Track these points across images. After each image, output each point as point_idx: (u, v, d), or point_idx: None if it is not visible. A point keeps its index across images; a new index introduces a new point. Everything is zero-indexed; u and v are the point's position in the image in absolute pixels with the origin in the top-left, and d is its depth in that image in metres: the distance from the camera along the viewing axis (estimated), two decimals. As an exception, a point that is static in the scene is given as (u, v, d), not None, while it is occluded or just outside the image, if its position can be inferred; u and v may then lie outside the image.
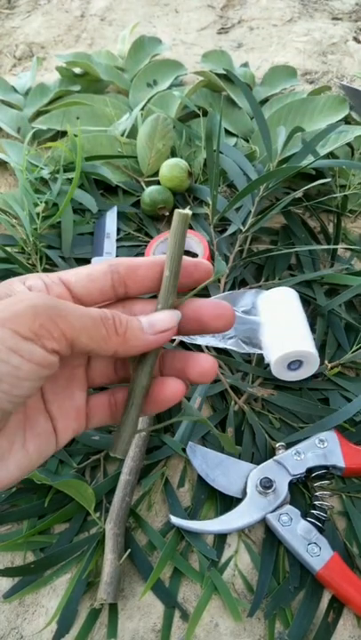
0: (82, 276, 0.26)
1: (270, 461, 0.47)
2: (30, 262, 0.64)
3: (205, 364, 0.27)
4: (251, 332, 0.55)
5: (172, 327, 0.26)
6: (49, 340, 0.22)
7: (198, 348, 0.57)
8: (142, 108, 0.80)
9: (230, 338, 0.55)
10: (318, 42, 1.04)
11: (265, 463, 0.47)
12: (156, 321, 0.26)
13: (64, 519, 0.47)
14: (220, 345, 0.55)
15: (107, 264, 0.27)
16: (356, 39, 1.05)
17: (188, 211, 0.27)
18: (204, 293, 0.60)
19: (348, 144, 0.76)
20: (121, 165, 0.75)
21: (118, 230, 0.69)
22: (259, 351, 0.54)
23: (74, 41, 1.07)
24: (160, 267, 0.27)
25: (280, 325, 0.53)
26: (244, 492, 0.46)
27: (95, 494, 0.47)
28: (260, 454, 0.50)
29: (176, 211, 0.27)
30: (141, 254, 0.66)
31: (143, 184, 0.73)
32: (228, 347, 0.55)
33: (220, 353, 0.57)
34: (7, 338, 0.21)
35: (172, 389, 0.27)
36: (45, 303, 0.23)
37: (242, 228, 0.66)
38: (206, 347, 0.56)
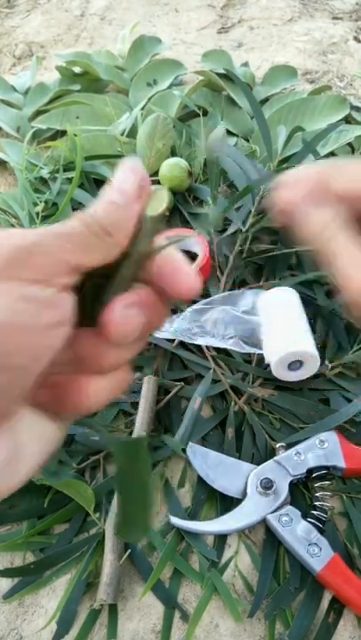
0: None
1: (271, 462, 0.47)
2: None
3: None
4: (251, 331, 0.55)
5: (142, 176, 0.23)
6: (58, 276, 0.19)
7: (198, 347, 0.57)
8: (142, 108, 0.80)
9: (230, 338, 0.55)
10: (319, 41, 1.04)
11: (265, 464, 0.47)
12: (123, 184, 0.22)
13: (64, 519, 0.47)
14: (221, 345, 0.55)
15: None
16: (356, 39, 1.05)
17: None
18: (205, 293, 0.60)
19: (349, 144, 0.76)
20: (121, 165, 0.75)
21: (118, 230, 0.69)
22: (259, 351, 0.54)
23: (73, 40, 1.07)
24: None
25: (280, 326, 0.53)
26: (245, 493, 0.46)
27: (95, 495, 0.47)
28: (261, 455, 0.50)
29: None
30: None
31: (143, 184, 0.73)
32: (228, 347, 0.54)
33: (220, 353, 0.57)
34: (14, 287, 0.18)
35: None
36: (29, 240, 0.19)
37: (242, 227, 0.66)
38: (206, 346, 0.56)
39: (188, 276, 0.23)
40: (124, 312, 0.21)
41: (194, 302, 0.58)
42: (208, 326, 0.55)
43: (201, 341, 0.55)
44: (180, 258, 0.24)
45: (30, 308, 0.18)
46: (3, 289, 0.18)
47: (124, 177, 0.23)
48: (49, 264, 0.19)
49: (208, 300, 0.58)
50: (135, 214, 0.22)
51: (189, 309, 0.57)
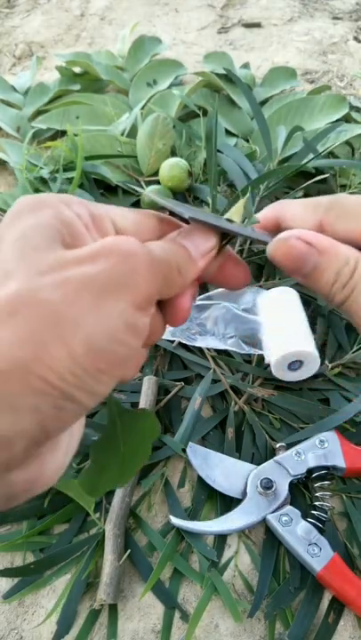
0: (129, 221, 0.23)
1: (271, 462, 0.47)
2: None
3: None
4: (251, 331, 0.55)
5: (214, 244, 0.24)
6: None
7: (198, 347, 0.57)
8: (142, 108, 0.80)
9: (230, 337, 0.55)
10: (319, 41, 1.04)
11: (265, 464, 0.47)
12: (200, 242, 0.24)
13: (64, 520, 0.47)
14: (221, 346, 0.55)
15: (155, 217, 0.25)
16: (356, 39, 1.04)
17: None
18: (205, 292, 0.60)
19: (349, 143, 0.76)
20: (121, 165, 0.75)
21: (118, 230, 0.69)
22: (259, 352, 0.54)
23: (74, 40, 1.07)
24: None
25: (281, 325, 0.53)
26: (245, 493, 0.46)
27: (95, 495, 0.47)
28: (261, 455, 0.50)
29: None
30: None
31: (143, 184, 0.73)
32: (228, 347, 0.54)
33: (220, 353, 0.57)
34: (126, 311, 0.18)
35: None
36: (160, 258, 0.20)
37: (242, 227, 0.65)
38: (206, 347, 0.56)
39: (243, 268, 0.26)
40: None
41: (198, 296, 0.58)
42: (208, 324, 0.55)
43: (201, 342, 0.55)
44: (235, 254, 0.26)
45: (130, 339, 0.18)
46: (114, 309, 0.18)
47: (205, 238, 0.24)
48: (153, 291, 0.19)
49: (207, 294, 0.58)
50: (199, 269, 0.23)
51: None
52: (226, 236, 0.25)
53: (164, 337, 0.56)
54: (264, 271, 0.63)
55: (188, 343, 0.55)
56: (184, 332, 0.55)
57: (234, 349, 0.54)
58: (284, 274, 0.63)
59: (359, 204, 0.23)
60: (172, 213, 0.26)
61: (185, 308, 0.24)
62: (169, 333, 0.56)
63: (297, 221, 0.24)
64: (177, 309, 0.23)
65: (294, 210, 0.25)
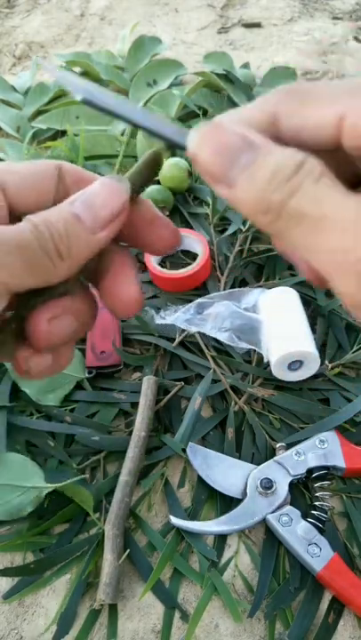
0: (22, 178, 0.21)
1: (271, 462, 0.47)
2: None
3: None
4: (247, 327, 0.54)
5: (120, 208, 0.20)
6: None
7: (198, 347, 0.57)
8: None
9: (226, 331, 0.55)
10: (319, 41, 1.04)
11: (265, 464, 0.47)
12: (100, 207, 0.19)
13: (64, 520, 0.47)
14: (213, 334, 0.55)
15: (52, 166, 0.21)
16: (356, 39, 1.05)
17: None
18: (205, 292, 0.60)
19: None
20: (121, 165, 0.75)
21: (118, 230, 0.69)
22: (251, 347, 0.54)
23: (73, 40, 1.07)
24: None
25: (281, 325, 0.53)
26: (245, 493, 0.46)
27: (95, 495, 0.47)
28: (261, 455, 0.50)
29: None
30: (141, 254, 0.66)
31: (143, 184, 0.73)
32: (221, 338, 0.54)
33: (220, 353, 0.57)
34: None
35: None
36: (23, 241, 0.18)
37: (242, 227, 0.66)
38: (206, 346, 0.56)
39: (168, 227, 0.22)
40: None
41: (198, 297, 0.58)
42: (209, 320, 0.55)
43: (194, 329, 0.55)
44: (155, 210, 0.22)
45: None
46: None
47: (103, 195, 0.19)
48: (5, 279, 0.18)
49: (212, 295, 0.58)
50: (98, 245, 0.19)
51: (194, 302, 0.57)
52: (140, 188, 0.21)
53: (164, 322, 0.56)
54: (264, 271, 0.63)
55: (182, 327, 0.55)
56: (183, 322, 0.55)
57: (226, 342, 0.54)
58: (284, 274, 0.63)
59: (330, 86, 0.18)
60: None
61: (127, 295, 0.21)
62: (171, 320, 0.56)
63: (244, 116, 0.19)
64: (117, 295, 0.21)
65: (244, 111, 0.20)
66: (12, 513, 0.45)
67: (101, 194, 0.20)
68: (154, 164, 0.21)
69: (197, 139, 0.18)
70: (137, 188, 0.21)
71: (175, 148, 0.19)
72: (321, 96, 0.18)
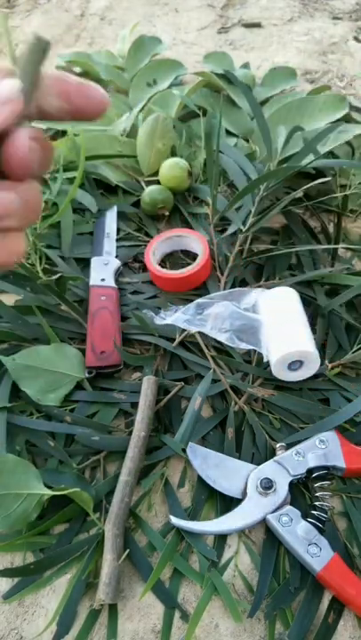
0: None
1: (271, 462, 0.47)
2: (30, 262, 0.64)
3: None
4: (246, 328, 0.54)
5: (15, 94, 0.22)
6: None
7: (198, 347, 0.57)
8: (142, 108, 0.80)
9: (226, 331, 0.55)
10: (319, 41, 1.04)
11: (265, 464, 0.47)
12: None
13: (64, 520, 0.47)
14: (213, 335, 0.55)
15: None
16: (356, 39, 1.04)
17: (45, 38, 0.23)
18: (205, 292, 0.60)
19: (349, 143, 0.76)
20: (121, 165, 0.75)
21: (118, 230, 0.69)
22: (251, 347, 0.54)
23: (74, 40, 1.07)
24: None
25: (281, 325, 0.53)
26: (245, 493, 0.46)
27: (95, 495, 0.47)
28: (261, 455, 0.50)
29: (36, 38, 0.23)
30: (141, 254, 0.66)
31: (143, 184, 0.73)
32: (221, 339, 0.54)
33: (220, 353, 0.57)
34: None
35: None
36: None
37: (242, 227, 0.66)
38: (206, 346, 0.56)
39: (97, 90, 0.23)
40: (29, 142, 0.22)
41: (198, 297, 0.58)
42: (209, 320, 0.55)
43: (194, 329, 0.55)
44: (76, 78, 0.23)
45: None
46: None
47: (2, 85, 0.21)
48: None
49: (212, 295, 0.58)
50: None
51: (193, 302, 0.57)
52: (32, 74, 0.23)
53: (165, 322, 0.56)
54: (264, 271, 0.63)
55: (182, 327, 0.55)
56: (183, 322, 0.55)
57: (226, 342, 0.54)
58: (284, 274, 0.63)
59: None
60: None
61: (15, 149, 0.22)
62: (171, 320, 0.56)
63: None
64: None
65: None
66: (17, 522, 0.45)
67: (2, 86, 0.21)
68: (41, 52, 0.23)
69: None
70: (29, 75, 0.22)
71: None
72: None
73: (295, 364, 0.52)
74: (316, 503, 0.46)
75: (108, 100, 0.24)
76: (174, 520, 0.45)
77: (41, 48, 0.22)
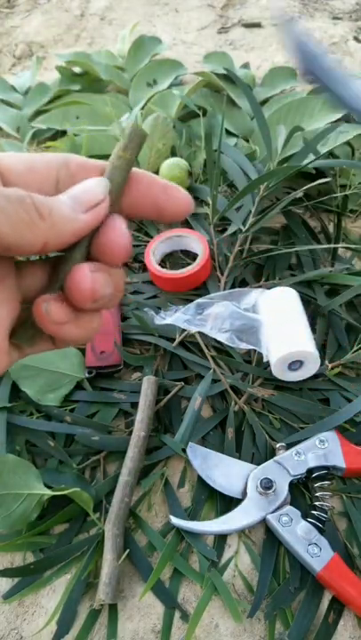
0: (21, 161, 0.22)
1: (271, 462, 0.47)
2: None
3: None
4: (246, 327, 0.54)
5: (102, 197, 0.22)
6: None
7: (198, 347, 0.57)
8: (142, 108, 0.80)
9: (226, 331, 0.55)
10: (319, 41, 1.04)
11: (265, 464, 0.47)
12: (81, 193, 0.22)
13: (64, 520, 0.47)
14: (213, 335, 0.55)
15: (56, 156, 0.23)
16: (356, 39, 1.04)
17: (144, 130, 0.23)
18: (205, 292, 0.60)
19: (349, 143, 0.76)
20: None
21: (118, 230, 0.69)
22: (251, 347, 0.54)
23: (73, 40, 1.07)
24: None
25: (281, 325, 0.53)
26: (245, 493, 0.46)
27: (95, 495, 0.47)
28: (261, 455, 0.50)
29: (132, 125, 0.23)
30: (141, 254, 0.66)
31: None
32: (221, 339, 0.54)
33: (220, 353, 0.57)
34: None
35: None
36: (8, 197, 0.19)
37: (242, 227, 0.66)
38: (206, 346, 0.56)
39: (181, 191, 0.24)
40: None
41: (198, 297, 0.58)
42: (209, 320, 0.55)
43: (194, 329, 0.55)
44: (161, 180, 0.24)
45: None
46: None
47: (85, 187, 0.22)
48: None
49: (212, 295, 0.58)
50: (81, 224, 0.21)
51: (193, 302, 0.57)
52: (124, 173, 0.23)
53: (164, 322, 0.56)
54: (264, 271, 0.63)
55: (182, 327, 0.55)
56: (183, 322, 0.55)
57: (226, 342, 0.54)
58: (284, 274, 0.63)
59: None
60: None
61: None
62: (171, 320, 0.56)
63: None
64: (107, 244, 0.22)
65: None
66: (17, 522, 0.45)
67: (83, 186, 0.22)
68: (138, 141, 0.23)
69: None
70: (120, 176, 0.23)
71: None
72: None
73: (295, 364, 0.52)
74: (316, 503, 0.46)
75: (192, 202, 0.24)
76: (174, 520, 0.45)
77: (137, 143, 0.23)
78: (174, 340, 0.57)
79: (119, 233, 0.22)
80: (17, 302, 0.23)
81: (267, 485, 0.45)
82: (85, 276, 0.22)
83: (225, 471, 0.47)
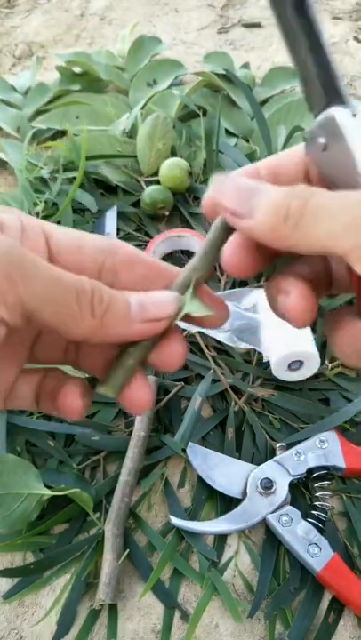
0: (72, 238, 0.22)
1: (271, 462, 0.47)
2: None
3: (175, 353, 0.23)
4: (246, 327, 0.54)
5: (169, 315, 0.21)
6: None
7: (198, 347, 0.57)
8: (142, 108, 0.80)
9: (226, 331, 0.55)
10: (318, 41, 1.03)
11: (265, 464, 0.47)
12: (152, 303, 0.21)
13: (64, 520, 0.47)
14: (213, 335, 0.55)
15: (106, 242, 0.22)
16: (356, 39, 1.04)
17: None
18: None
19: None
20: (121, 165, 0.75)
21: (118, 230, 0.69)
22: (250, 346, 0.54)
23: (73, 40, 1.07)
24: (162, 276, 0.23)
25: (280, 325, 0.53)
26: (245, 493, 0.46)
27: (95, 495, 0.47)
28: (261, 455, 0.50)
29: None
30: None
31: (143, 184, 0.73)
32: (220, 339, 0.54)
33: (220, 353, 0.57)
34: None
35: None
36: (9, 253, 0.18)
37: (242, 227, 0.65)
38: (206, 346, 0.56)
39: (222, 301, 0.26)
40: (141, 395, 0.22)
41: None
42: None
43: (194, 329, 0.55)
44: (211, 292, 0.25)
45: None
46: None
47: (157, 300, 0.21)
48: (2, 289, 0.18)
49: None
50: (133, 332, 0.21)
51: None
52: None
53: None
54: (264, 271, 0.63)
55: (186, 328, 0.55)
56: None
57: (226, 342, 0.54)
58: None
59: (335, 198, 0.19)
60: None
61: (171, 352, 0.22)
62: None
63: None
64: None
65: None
66: (17, 522, 0.45)
67: (156, 298, 0.21)
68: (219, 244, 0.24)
69: (217, 186, 0.22)
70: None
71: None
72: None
73: (295, 364, 0.52)
74: (316, 503, 0.46)
75: (229, 312, 0.25)
76: (174, 520, 0.45)
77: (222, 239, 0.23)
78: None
79: (176, 346, 0.22)
80: (20, 367, 0.23)
81: (267, 485, 0.45)
82: (147, 395, 0.22)
83: (225, 471, 0.47)
